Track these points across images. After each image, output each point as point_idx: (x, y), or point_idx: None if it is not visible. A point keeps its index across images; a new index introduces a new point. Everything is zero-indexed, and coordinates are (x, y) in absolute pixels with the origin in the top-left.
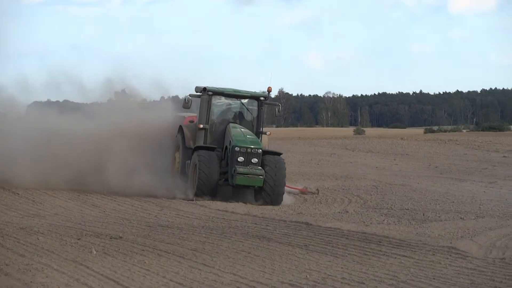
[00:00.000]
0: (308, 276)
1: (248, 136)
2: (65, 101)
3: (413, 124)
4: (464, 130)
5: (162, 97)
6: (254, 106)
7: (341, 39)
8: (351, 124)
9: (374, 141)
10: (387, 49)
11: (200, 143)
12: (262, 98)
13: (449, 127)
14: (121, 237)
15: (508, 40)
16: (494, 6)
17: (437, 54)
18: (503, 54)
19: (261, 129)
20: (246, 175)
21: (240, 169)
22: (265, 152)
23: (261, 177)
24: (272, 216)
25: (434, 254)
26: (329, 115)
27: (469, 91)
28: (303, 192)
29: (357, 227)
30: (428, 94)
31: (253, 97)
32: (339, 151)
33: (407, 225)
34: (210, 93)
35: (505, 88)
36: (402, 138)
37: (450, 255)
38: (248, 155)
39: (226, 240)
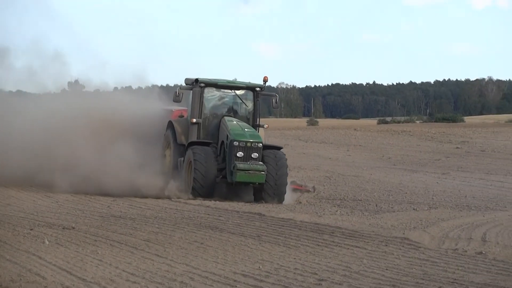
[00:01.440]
0: (261, 266)
1: (246, 130)
2: (18, 91)
3: (366, 115)
4: (418, 121)
5: (147, 87)
6: (249, 97)
7: (295, 30)
8: (304, 115)
9: (328, 132)
10: (340, 40)
11: (193, 138)
12: (258, 89)
13: (403, 118)
14: (73, 228)
15: (461, 31)
16: None
17: (391, 45)
18: (457, 45)
19: (257, 121)
20: (247, 171)
21: (240, 165)
22: (265, 147)
23: (263, 173)
24: (225, 207)
25: (387, 245)
26: (282, 106)
27: (422, 82)
28: (298, 189)
29: (310, 218)
30: (381, 85)
31: (249, 88)
32: (292, 142)
33: (360, 216)
34: (202, 85)
35: (459, 79)
36: (355, 129)
37: (403, 246)
38: (248, 149)
39: (179, 231)
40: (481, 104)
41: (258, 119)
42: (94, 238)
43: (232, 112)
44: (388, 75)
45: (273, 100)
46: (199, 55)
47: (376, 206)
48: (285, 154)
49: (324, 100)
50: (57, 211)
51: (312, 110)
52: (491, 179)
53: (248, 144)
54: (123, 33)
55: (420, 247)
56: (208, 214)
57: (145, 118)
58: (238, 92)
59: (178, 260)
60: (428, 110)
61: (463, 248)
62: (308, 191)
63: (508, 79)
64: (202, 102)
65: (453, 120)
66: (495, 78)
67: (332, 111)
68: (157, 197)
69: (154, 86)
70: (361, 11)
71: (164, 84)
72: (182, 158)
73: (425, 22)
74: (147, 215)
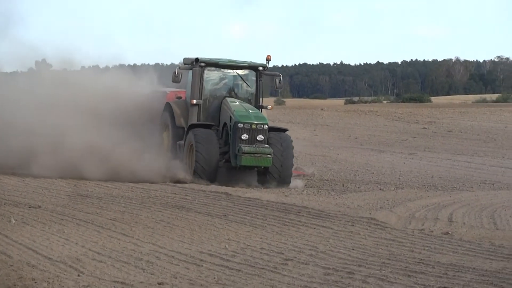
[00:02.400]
0: (227, 246)
1: (250, 111)
2: None
3: (333, 95)
4: (385, 101)
5: (143, 64)
6: (252, 77)
7: (262, 10)
8: (271, 95)
9: (295, 111)
10: (308, 20)
11: (194, 120)
12: (260, 68)
13: (370, 98)
14: (40, 206)
15: (429, 12)
16: None
17: (358, 25)
18: (424, 25)
19: (260, 102)
20: (252, 155)
21: (246, 148)
22: (269, 129)
23: (270, 156)
24: (192, 186)
25: (353, 225)
26: None
27: (389, 62)
28: (299, 174)
29: (276, 197)
30: (348, 65)
31: (251, 67)
32: None
33: (326, 195)
34: (203, 64)
35: (426, 59)
36: (322, 109)
37: (369, 226)
38: (253, 132)
39: (145, 210)
40: (448, 85)
41: (261, 100)
42: (61, 217)
43: (234, 92)
44: (355, 55)
45: (277, 80)
46: (169, 34)
47: (343, 186)
48: (290, 137)
49: (291, 80)
50: (23, 190)
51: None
52: (458, 160)
53: (253, 126)
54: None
55: (386, 227)
56: (175, 194)
57: (139, 100)
58: (240, 72)
59: (145, 239)
60: (395, 90)
61: (429, 229)
62: (308, 175)
63: (475, 60)
64: (202, 82)
65: (420, 100)
66: (462, 58)
67: (299, 91)
68: (155, 182)
69: (143, 65)
70: None
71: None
72: (182, 142)
73: (394, 2)
74: (113, 194)
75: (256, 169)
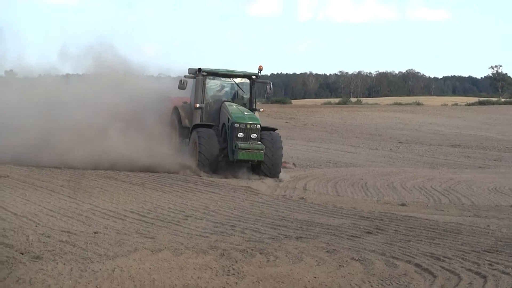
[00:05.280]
0: (143, 206)
1: (245, 113)
2: None
3: None
4: (258, 102)
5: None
6: (246, 84)
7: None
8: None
9: None
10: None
11: (197, 121)
12: (254, 77)
13: None
14: (8, 176)
15: (292, 35)
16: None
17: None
18: (289, 46)
19: (254, 106)
20: (247, 150)
21: (242, 144)
22: (261, 129)
23: (262, 151)
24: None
25: (235, 191)
26: None
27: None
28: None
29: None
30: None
31: (246, 76)
32: None
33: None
34: (205, 73)
35: (288, 73)
36: None
37: (246, 192)
38: (248, 130)
39: (85, 179)
40: (304, 91)
41: (254, 103)
42: (23, 184)
43: (231, 97)
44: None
45: (267, 87)
46: None
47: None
48: (280, 135)
49: None
50: None
51: None
52: (311, 145)
53: (248, 126)
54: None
55: (259, 193)
56: (106, 170)
57: (150, 104)
58: (236, 80)
59: (84, 200)
60: (265, 95)
61: (290, 195)
62: (288, 167)
63: (324, 73)
64: (205, 89)
65: (283, 102)
66: (314, 72)
67: None
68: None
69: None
70: None
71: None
72: (187, 139)
73: (271, 28)
74: (61, 167)
75: (250, 162)
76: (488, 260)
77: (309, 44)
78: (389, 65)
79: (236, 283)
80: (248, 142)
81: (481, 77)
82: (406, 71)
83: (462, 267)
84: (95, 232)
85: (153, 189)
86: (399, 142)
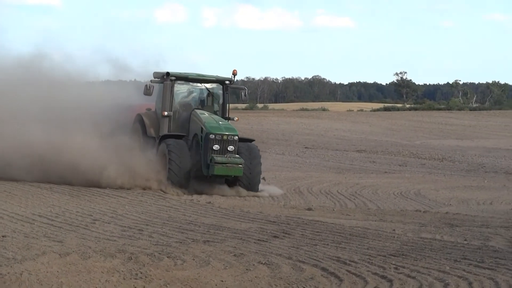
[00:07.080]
0: (52, 209)
1: (220, 123)
2: None
3: None
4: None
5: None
6: (219, 90)
7: None
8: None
9: None
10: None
11: (165, 131)
12: (227, 82)
13: None
14: None
15: (198, 39)
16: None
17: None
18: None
19: (227, 114)
20: (224, 165)
21: (218, 158)
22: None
23: (241, 166)
24: None
25: (142, 196)
26: None
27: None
28: None
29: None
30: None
31: (218, 81)
32: None
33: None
34: (173, 78)
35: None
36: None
37: (154, 196)
38: (224, 142)
39: None
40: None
41: (228, 112)
42: None
43: (201, 104)
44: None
45: (242, 93)
46: None
47: None
48: (257, 146)
49: None
50: None
51: None
52: None
53: (224, 137)
54: None
55: (166, 198)
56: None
57: (110, 112)
58: (208, 85)
59: None
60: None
61: (197, 199)
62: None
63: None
64: (173, 95)
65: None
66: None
67: None
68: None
69: (107, 81)
70: None
71: None
72: (154, 151)
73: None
74: None
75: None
76: (394, 264)
77: (215, 50)
78: (295, 71)
79: (144, 287)
80: (225, 156)
81: (386, 83)
82: (312, 77)
83: (368, 271)
84: (3, 236)
85: (61, 193)
86: (305, 147)
